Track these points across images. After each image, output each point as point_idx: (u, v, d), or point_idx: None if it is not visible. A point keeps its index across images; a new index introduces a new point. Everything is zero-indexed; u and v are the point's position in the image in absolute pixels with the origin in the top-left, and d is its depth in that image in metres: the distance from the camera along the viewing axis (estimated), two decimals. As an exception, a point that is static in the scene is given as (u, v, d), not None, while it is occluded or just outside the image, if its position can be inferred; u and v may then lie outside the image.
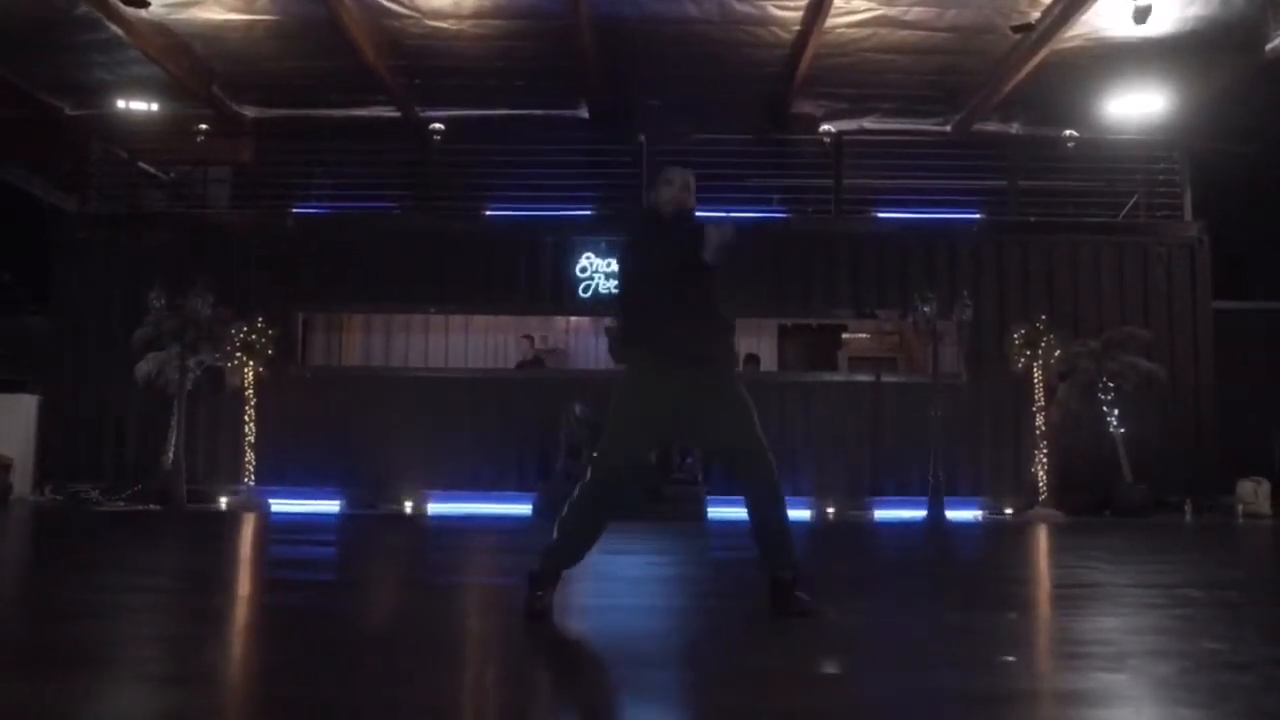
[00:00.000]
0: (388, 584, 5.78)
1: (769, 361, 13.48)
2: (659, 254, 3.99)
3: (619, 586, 5.24)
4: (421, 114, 14.75)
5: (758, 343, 13.52)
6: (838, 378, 12.36)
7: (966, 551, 8.28)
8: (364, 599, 5.04)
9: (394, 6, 11.92)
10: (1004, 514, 11.09)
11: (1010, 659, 3.39)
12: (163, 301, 10.69)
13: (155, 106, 14.26)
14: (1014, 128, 14.66)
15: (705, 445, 4.00)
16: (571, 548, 3.92)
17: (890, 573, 6.61)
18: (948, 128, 14.77)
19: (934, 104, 14.30)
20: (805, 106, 14.35)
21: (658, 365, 3.90)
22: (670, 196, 4.07)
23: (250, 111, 14.79)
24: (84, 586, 5.04)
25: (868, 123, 14.67)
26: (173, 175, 13.99)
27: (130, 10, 11.85)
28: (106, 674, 3.04)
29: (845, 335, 13.47)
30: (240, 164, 14.84)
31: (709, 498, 10.66)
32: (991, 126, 14.55)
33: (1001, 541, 9.14)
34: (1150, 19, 11.02)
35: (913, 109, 14.45)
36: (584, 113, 14.59)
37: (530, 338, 13.34)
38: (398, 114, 14.53)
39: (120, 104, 14.15)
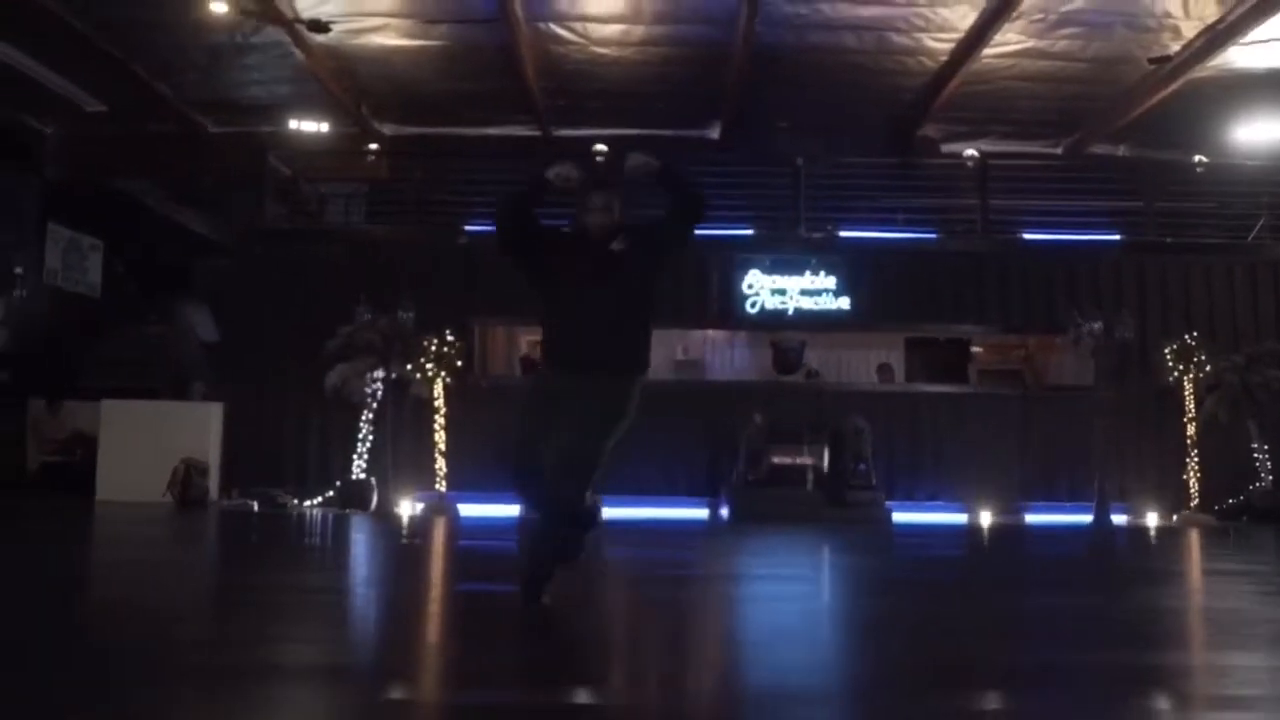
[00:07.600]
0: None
1: (897, 373, 14.09)
2: (577, 269, 4.37)
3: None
4: (555, 133, 15.31)
5: (888, 354, 14.16)
6: (982, 390, 12.95)
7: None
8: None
9: (566, 34, 12.47)
10: (1150, 518, 11.69)
11: None
12: (370, 315, 11.15)
13: (302, 125, 14.78)
14: (1120, 150, 15.38)
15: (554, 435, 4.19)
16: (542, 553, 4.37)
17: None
18: (1058, 150, 15.46)
19: (1049, 127, 14.96)
20: (927, 130, 15.01)
21: (552, 371, 4.41)
22: (601, 221, 4.38)
23: (388, 129, 15.30)
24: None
25: (983, 144, 15.33)
26: (322, 191, 14.45)
27: (311, 35, 12.36)
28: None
29: (974, 349, 14.07)
30: (378, 181, 15.36)
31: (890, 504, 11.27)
32: (1100, 149, 15.27)
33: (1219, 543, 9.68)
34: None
35: (1027, 132, 15.11)
36: (714, 133, 15.18)
37: None
38: (536, 132, 15.08)
39: (268, 123, 14.69)
